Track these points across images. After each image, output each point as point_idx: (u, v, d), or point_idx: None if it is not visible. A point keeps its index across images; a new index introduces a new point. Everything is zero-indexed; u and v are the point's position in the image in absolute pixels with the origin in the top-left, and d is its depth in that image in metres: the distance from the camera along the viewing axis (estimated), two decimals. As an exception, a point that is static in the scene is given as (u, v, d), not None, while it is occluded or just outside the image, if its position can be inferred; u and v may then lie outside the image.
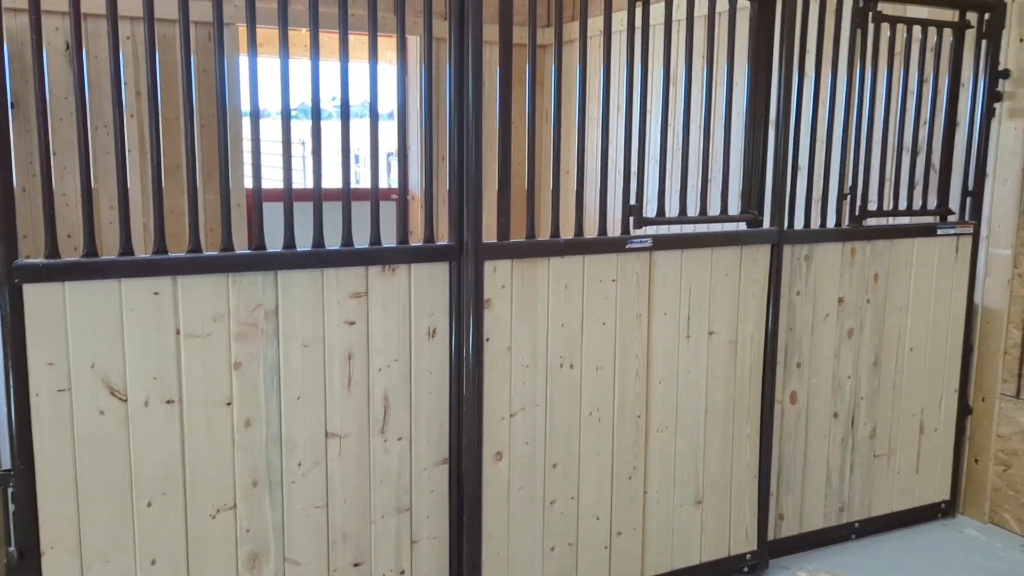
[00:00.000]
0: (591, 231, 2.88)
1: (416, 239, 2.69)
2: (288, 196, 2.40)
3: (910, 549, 3.51)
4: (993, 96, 3.57)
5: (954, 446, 3.77)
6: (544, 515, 2.83)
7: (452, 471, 2.70)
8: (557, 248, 2.70)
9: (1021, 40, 3.51)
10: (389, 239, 2.56)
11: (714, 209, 3.93)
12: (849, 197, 3.34)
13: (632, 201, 2.83)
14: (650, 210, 4.03)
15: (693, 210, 4.03)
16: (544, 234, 2.75)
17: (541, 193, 6.56)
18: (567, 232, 2.75)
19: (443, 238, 2.69)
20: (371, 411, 2.57)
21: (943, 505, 3.78)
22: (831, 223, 3.34)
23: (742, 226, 3.13)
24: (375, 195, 2.52)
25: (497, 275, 2.62)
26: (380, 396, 2.57)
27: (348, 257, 2.47)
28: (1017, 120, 3.54)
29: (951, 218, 3.62)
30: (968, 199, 3.62)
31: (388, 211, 6.41)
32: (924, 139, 3.54)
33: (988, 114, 3.57)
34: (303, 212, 2.48)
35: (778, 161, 3.07)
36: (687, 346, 3.00)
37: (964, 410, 3.77)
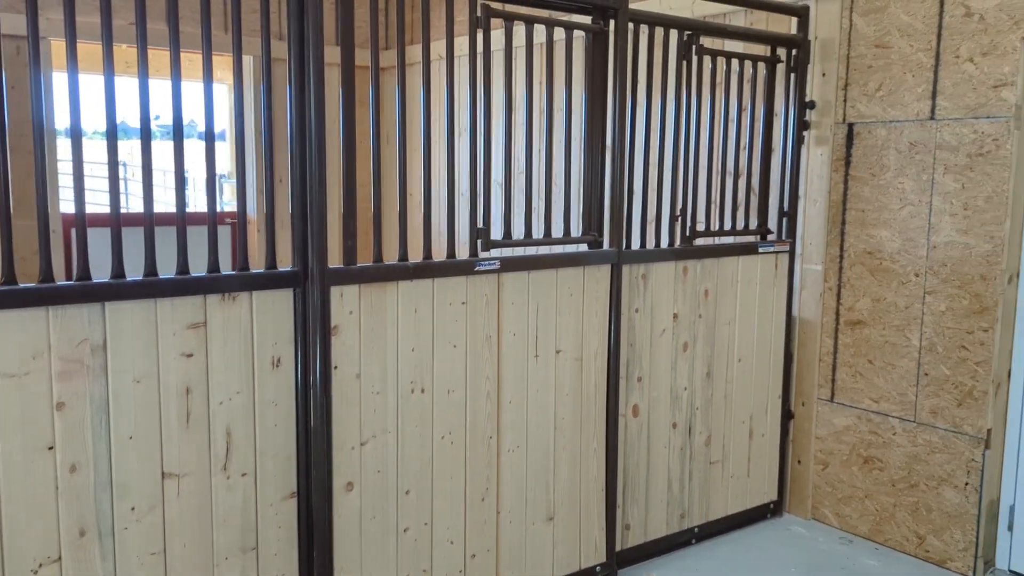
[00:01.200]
0: (440, 254, 2.88)
1: (257, 265, 2.58)
2: (116, 221, 2.25)
3: (744, 548, 3.72)
4: (802, 125, 3.89)
5: (779, 449, 4.04)
6: (398, 544, 2.77)
7: (301, 505, 2.60)
8: (406, 272, 2.67)
9: (823, 74, 3.85)
10: (226, 265, 2.44)
11: (557, 231, 4.04)
12: (680, 219, 3.52)
13: (479, 224, 2.85)
14: (497, 233, 4.08)
15: (538, 232, 4.11)
16: (391, 258, 2.71)
17: (387, 217, 6.49)
18: (415, 256, 2.73)
19: (285, 263, 2.61)
20: (212, 447, 2.43)
21: (771, 505, 4.04)
22: (664, 243, 3.51)
23: (584, 247, 3.23)
24: (213, 219, 2.41)
25: (344, 301, 2.57)
26: (222, 431, 2.44)
27: (184, 286, 2.34)
28: (823, 147, 3.87)
29: (770, 237, 3.89)
30: (784, 219, 3.91)
31: (223, 236, 6.14)
32: (745, 164, 3.80)
33: (798, 141, 3.89)
34: (129, 239, 2.33)
35: (615, 185, 3.20)
36: (536, 365, 3.05)
37: (787, 415, 4.05)
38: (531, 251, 3.50)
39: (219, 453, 2.45)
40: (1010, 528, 3.49)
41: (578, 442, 3.22)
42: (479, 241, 2.85)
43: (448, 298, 2.79)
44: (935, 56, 3.47)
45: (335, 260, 2.52)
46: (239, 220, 2.47)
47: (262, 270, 2.49)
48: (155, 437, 2.33)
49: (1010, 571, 3.50)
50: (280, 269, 2.51)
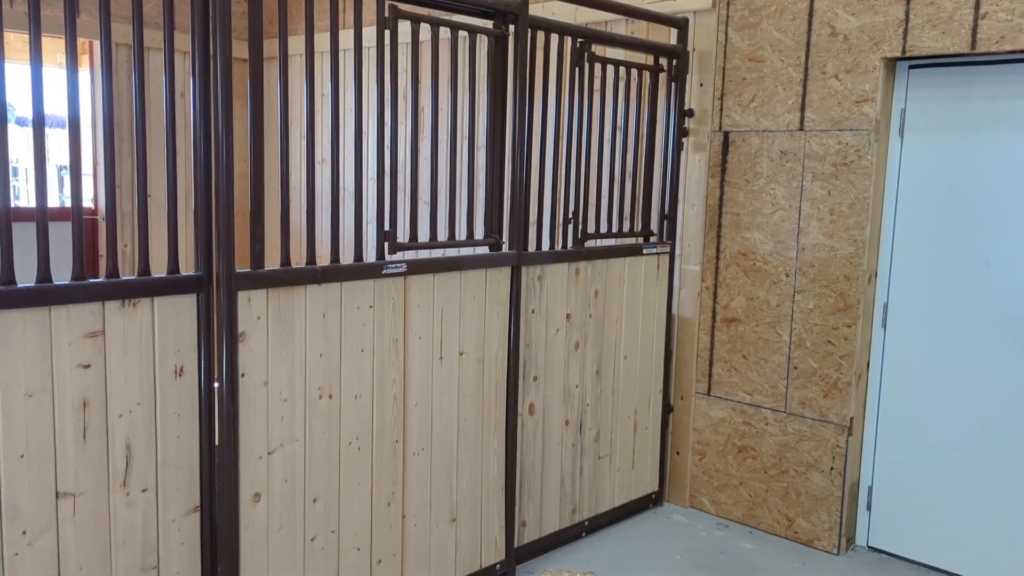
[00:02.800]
0: (347, 257, 2.83)
1: (159, 270, 2.44)
2: (6, 221, 2.07)
3: (631, 539, 3.88)
4: (681, 132, 4.08)
5: (660, 441, 4.23)
6: (305, 553, 2.70)
7: (205, 519, 2.49)
8: (314, 276, 2.61)
9: (701, 84, 4.06)
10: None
11: (461, 234, 4.05)
12: (573, 221, 3.61)
13: (386, 227, 2.82)
14: (403, 235, 4.04)
15: (443, 235, 4.09)
16: (299, 262, 2.64)
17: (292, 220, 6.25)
18: (322, 259, 2.67)
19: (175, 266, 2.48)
20: (111, 463, 2.29)
21: (653, 496, 4.22)
22: (559, 246, 3.59)
23: (486, 250, 3.25)
24: (111, 218, 2.26)
25: (252, 306, 2.47)
26: (121, 445, 2.30)
27: (82, 292, 2.18)
28: (700, 153, 4.08)
29: (652, 239, 4.06)
30: (665, 222, 4.09)
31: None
32: (631, 169, 3.95)
33: (678, 147, 4.07)
34: (20, 236, 2.15)
35: (515, 187, 3.24)
36: (440, 368, 3.05)
37: (667, 408, 4.25)
38: (436, 254, 3.48)
39: (118, 469, 2.30)
40: (869, 508, 3.81)
41: (480, 443, 3.25)
42: (386, 244, 2.82)
43: (356, 302, 2.74)
44: (804, 71, 3.73)
45: (241, 264, 2.42)
46: (139, 221, 2.33)
47: (164, 274, 2.36)
48: (49, 454, 2.16)
49: (869, 547, 3.83)
50: (184, 274, 2.39)
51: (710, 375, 4.14)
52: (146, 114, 2.34)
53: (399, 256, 2.83)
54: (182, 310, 2.38)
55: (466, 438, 3.19)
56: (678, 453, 4.28)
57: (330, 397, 2.71)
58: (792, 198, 3.79)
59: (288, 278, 2.54)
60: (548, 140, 3.48)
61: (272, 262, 2.59)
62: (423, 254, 3.86)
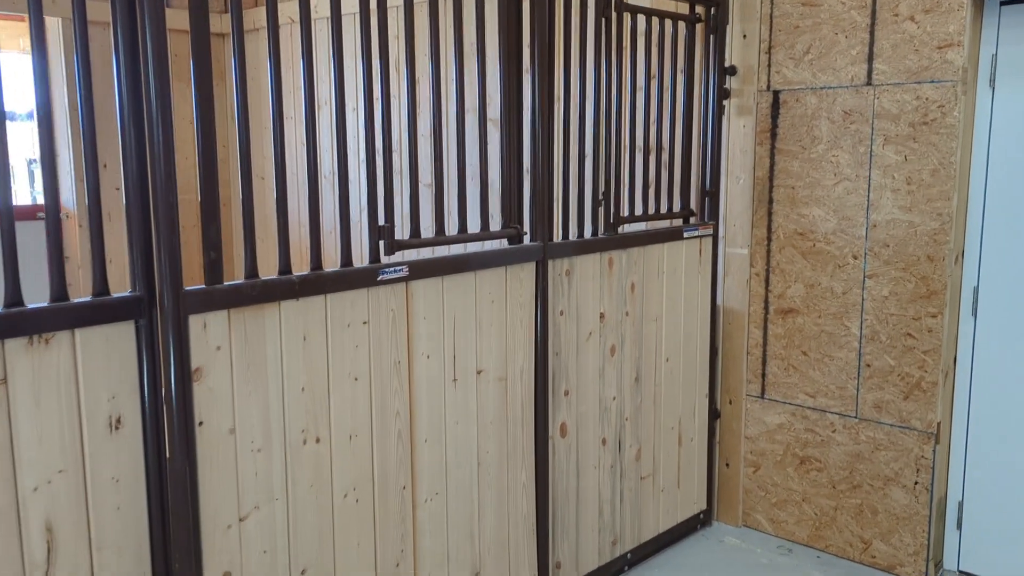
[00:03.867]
0: (332, 262, 2.24)
1: (82, 292, 1.86)
2: None
3: (676, 568, 3.32)
4: (722, 93, 3.48)
5: (708, 452, 3.67)
6: (295, 638, 2.15)
7: (161, 610, 1.93)
8: (290, 288, 2.03)
9: (744, 36, 3.45)
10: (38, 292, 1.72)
11: (474, 226, 3.47)
12: (604, 203, 3.03)
13: (381, 221, 2.23)
14: (402, 231, 3.47)
15: (451, 228, 3.48)
16: (271, 271, 2.05)
17: (260, 219, 5.66)
18: (301, 266, 2.08)
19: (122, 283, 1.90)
20: (26, 552, 1.72)
21: (701, 515, 3.67)
22: (588, 232, 3.01)
23: (504, 243, 2.67)
24: (8, 224, 1.68)
25: (209, 333, 1.89)
26: (39, 527, 1.73)
27: (-32, 330, 1.60)
28: (745, 117, 3.48)
29: (693, 220, 3.48)
30: (707, 199, 3.51)
31: (32, 235, 5.12)
32: (668, 139, 3.35)
33: (719, 111, 3.48)
34: None
35: (537, 166, 2.65)
36: (454, 392, 2.47)
37: (714, 414, 3.68)
38: (443, 252, 2.88)
39: (37, 558, 1.73)
40: (959, 527, 3.26)
41: (504, 477, 2.68)
42: (382, 243, 2.24)
43: (346, 318, 2.16)
44: (871, 14, 3.13)
45: (193, 279, 1.85)
46: (49, 227, 1.74)
47: (88, 298, 1.78)
48: (-66, 553, 1.60)
49: (959, 571, 3.28)
50: (115, 296, 1.81)
51: (763, 375, 3.57)
52: (91, 99, 1.75)
53: (398, 257, 2.24)
54: (115, 344, 1.80)
55: (488, 474, 2.62)
56: (728, 465, 3.71)
57: (317, 441, 2.14)
58: (859, 166, 3.20)
59: (256, 294, 1.96)
60: (572, 109, 2.89)
61: (234, 274, 2.00)
62: (427, 252, 3.26)
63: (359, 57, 4.26)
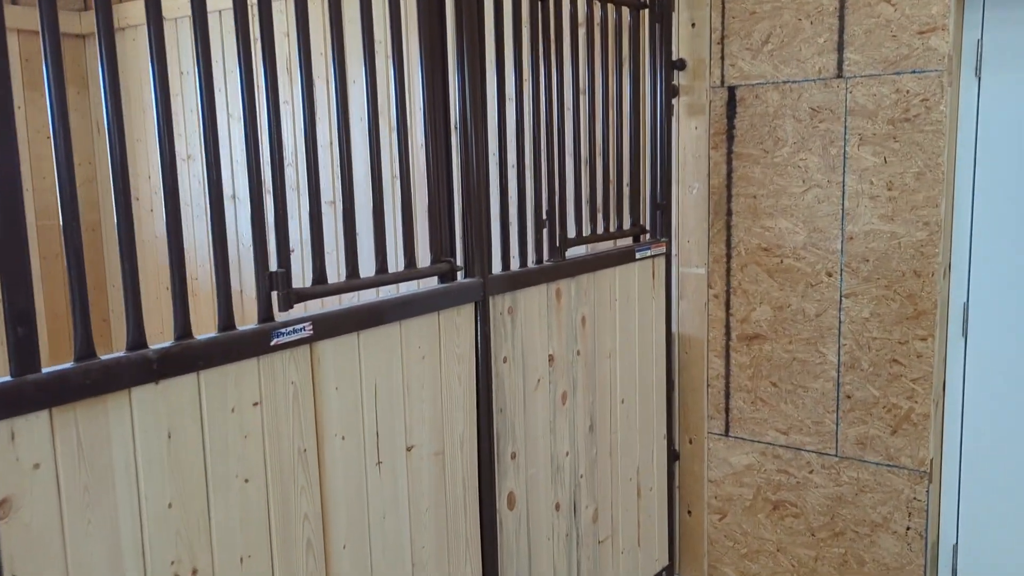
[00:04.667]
0: (207, 326, 1.66)
1: None
2: None
3: (651, 647, 2.85)
4: (670, 90, 3.03)
5: (668, 500, 3.21)
6: None
7: None
8: (145, 369, 1.44)
9: (692, 24, 3.02)
10: None
11: (396, 264, 2.91)
12: (548, 224, 2.53)
13: (272, 266, 1.67)
14: (303, 277, 2.87)
15: (367, 269, 2.89)
16: (115, 346, 1.46)
17: (106, 267, 4.91)
18: (162, 335, 1.49)
19: None
20: None
21: (664, 573, 3.21)
22: (531, 260, 2.50)
23: (434, 283, 2.13)
24: None
25: (19, 447, 1.29)
26: None
27: None
28: (697, 118, 3.05)
29: (645, 237, 3.02)
30: (658, 213, 3.05)
31: None
32: (613, 146, 2.87)
33: (668, 112, 3.03)
34: None
35: (471, 184, 2.13)
36: (379, 478, 1.92)
37: (672, 456, 3.23)
38: (356, 299, 2.30)
39: None
40: (954, 572, 2.90)
41: (446, 574, 2.14)
42: (274, 295, 1.67)
43: (228, 400, 1.58)
44: (839, -2, 2.74)
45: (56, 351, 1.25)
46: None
47: None
48: None
49: (957, 622, 2.92)
50: None
51: (727, 410, 3.14)
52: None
53: (299, 311, 1.68)
54: None
55: (425, 574, 2.07)
56: (690, 513, 3.27)
57: (194, 573, 1.55)
58: (831, 170, 2.81)
59: (91, 383, 1.37)
60: (508, 114, 2.38)
61: (57, 354, 1.41)
62: (335, 303, 2.68)
63: (242, 56, 3.64)
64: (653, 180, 3.02)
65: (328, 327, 1.75)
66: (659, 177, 3.03)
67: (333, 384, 1.78)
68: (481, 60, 2.19)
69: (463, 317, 2.12)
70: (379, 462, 1.91)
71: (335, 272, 3.40)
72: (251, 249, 1.77)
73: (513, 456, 2.40)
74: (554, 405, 2.56)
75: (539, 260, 2.50)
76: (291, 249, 3.99)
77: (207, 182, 1.62)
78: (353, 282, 1.81)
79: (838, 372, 2.88)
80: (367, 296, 1.97)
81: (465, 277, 2.17)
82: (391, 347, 1.92)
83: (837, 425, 2.90)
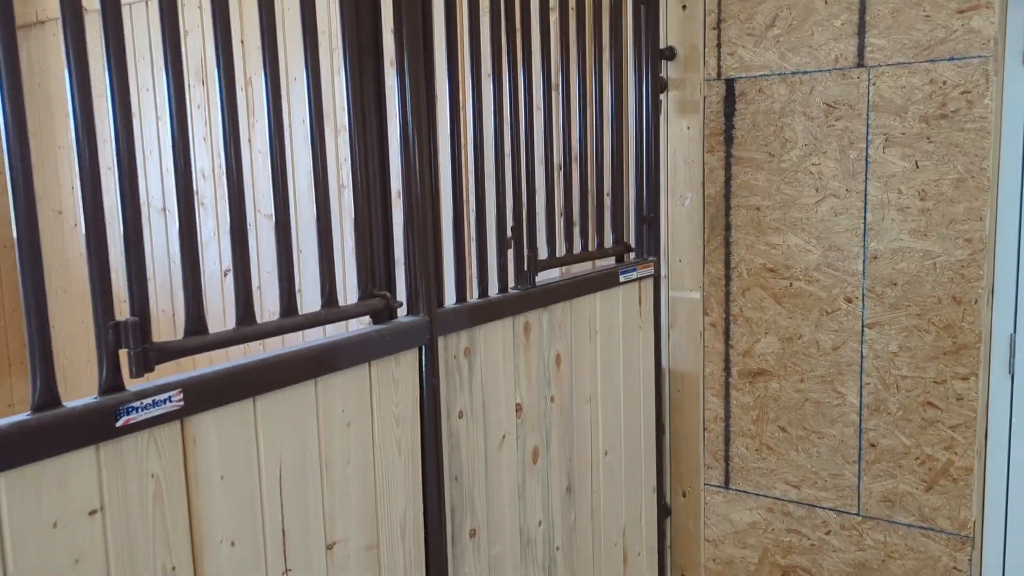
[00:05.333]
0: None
1: None
2: None
3: None
4: (657, 84, 2.58)
5: (658, 563, 2.74)
6: None
7: None
8: None
9: (683, 7, 2.57)
10: None
11: (310, 301, 2.42)
12: (514, 243, 2.05)
13: (123, 314, 1.17)
14: (174, 327, 2.38)
15: (268, 310, 2.39)
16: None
17: None
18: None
19: None
20: None
21: (655, 649, 2.74)
22: (494, 289, 2.03)
23: (366, 322, 1.64)
24: None
25: None
26: None
27: None
28: (689, 116, 2.60)
29: (630, 257, 2.56)
30: (645, 228, 2.59)
31: None
32: (592, 150, 2.41)
33: (655, 109, 2.58)
34: None
35: (414, 200, 1.65)
36: (287, 593, 1.43)
37: (663, 512, 2.77)
38: (261, 348, 1.81)
39: None
40: (999, 651, 2.46)
41: None
42: (126, 354, 1.17)
43: (45, 512, 1.09)
44: (859, -28, 2.30)
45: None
46: None
47: None
48: None
49: None
50: None
51: (727, 458, 2.68)
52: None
53: (162, 373, 1.18)
54: None
55: None
56: (684, 577, 2.81)
57: None
58: (851, 177, 2.37)
59: None
60: (466, 115, 1.91)
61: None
62: (223, 357, 2.16)
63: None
64: (638, 190, 2.57)
65: (208, 394, 1.26)
66: (645, 186, 2.58)
67: (217, 472, 1.29)
68: (427, 49, 1.72)
69: (404, 367, 1.64)
70: (287, 570, 1.41)
71: (219, 316, 2.91)
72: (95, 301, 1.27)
73: (472, 534, 1.92)
74: (523, 465, 2.09)
75: (503, 288, 2.03)
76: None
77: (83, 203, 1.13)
78: (244, 331, 1.32)
79: (860, 416, 2.43)
80: (275, 345, 1.48)
81: (407, 315, 1.68)
82: (303, 414, 1.43)
83: (859, 479, 2.45)
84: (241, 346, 1.41)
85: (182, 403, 1.22)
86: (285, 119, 3.15)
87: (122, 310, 1.33)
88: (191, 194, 1.26)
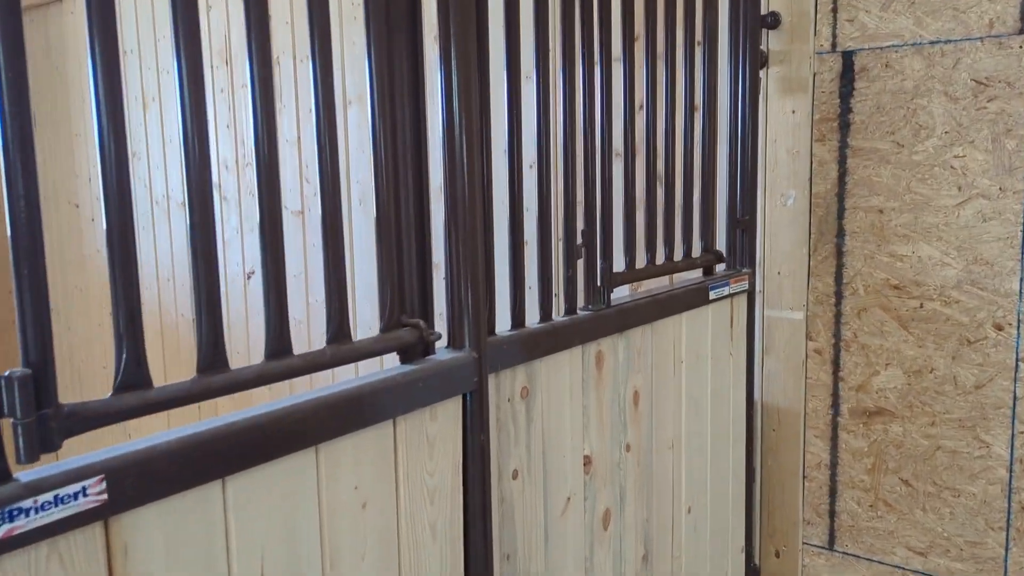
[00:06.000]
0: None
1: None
2: None
3: None
4: (756, 59, 2.12)
5: (744, 637, 2.29)
6: None
7: None
8: None
9: (790, -35, 2.11)
10: None
11: (314, 334, 2.02)
12: (585, 253, 1.61)
13: (27, 356, 0.76)
14: (104, 380, 1.98)
15: (296, 317, 1.96)
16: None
17: None
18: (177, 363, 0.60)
19: None
20: None
21: None
22: (559, 311, 1.59)
23: (392, 366, 1.21)
24: None
25: None
26: None
27: None
28: (794, 97, 2.14)
29: (720, 268, 2.10)
30: (739, 233, 2.13)
31: None
32: (676, 139, 1.96)
33: (753, 88, 2.12)
34: None
35: (459, 195, 1.22)
36: None
37: (751, 573, 2.30)
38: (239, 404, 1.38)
39: None
40: None
41: None
42: (17, 425, 0.76)
43: None
44: (1026, -87, 1.82)
45: None
46: None
47: None
48: None
49: None
50: None
51: (832, 514, 2.21)
52: None
53: (73, 454, 0.76)
54: None
55: None
56: (775, 652, 2.34)
57: None
58: (1006, 173, 1.88)
59: None
60: (525, 96, 1.47)
61: None
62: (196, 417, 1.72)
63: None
64: (731, 187, 2.11)
65: (149, 477, 0.85)
66: (739, 182, 2.12)
67: (162, 592, 0.88)
68: (480, 18, 1.29)
69: (442, 421, 1.21)
70: None
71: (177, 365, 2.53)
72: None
73: (528, 625, 1.49)
74: (591, 533, 1.65)
75: (570, 308, 1.59)
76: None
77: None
78: (206, 382, 0.90)
79: (1010, 472, 1.95)
80: (264, 398, 1.07)
81: (447, 348, 1.26)
82: (297, 496, 1.01)
83: (1007, 550, 1.97)
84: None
85: (104, 497, 0.81)
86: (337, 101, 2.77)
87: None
88: (124, 189, 0.85)
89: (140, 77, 3.59)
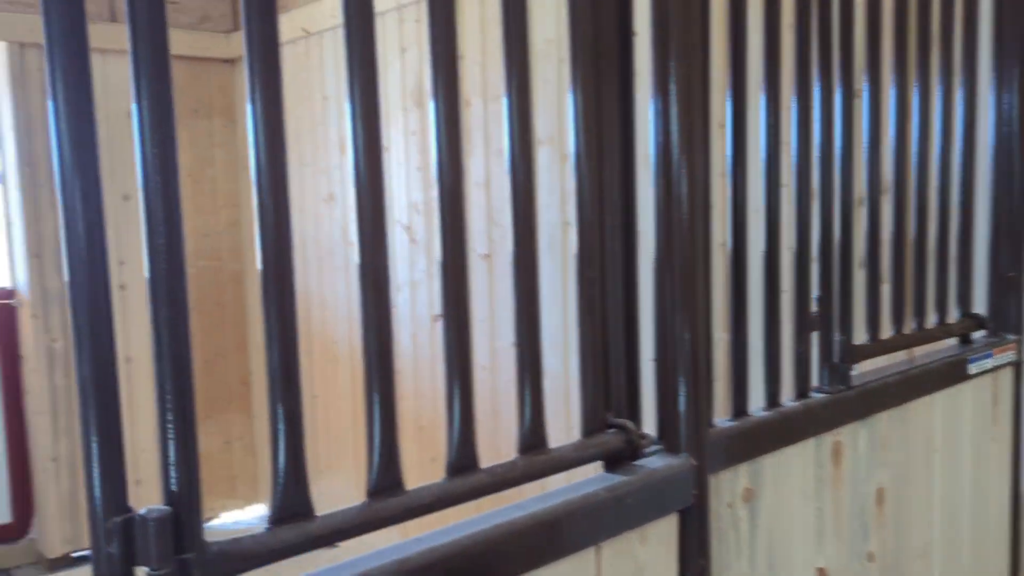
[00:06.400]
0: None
1: None
2: None
3: None
4: (1026, 83, 1.76)
5: None
6: None
7: None
8: None
9: (1071, -31, 1.73)
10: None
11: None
12: (821, 323, 1.34)
13: (169, 497, 0.62)
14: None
15: (482, 363, 1.81)
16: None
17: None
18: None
19: None
20: None
21: None
22: (787, 393, 1.33)
23: (591, 473, 1.01)
24: None
25: None
26: None
27: None
28: (1077, 129, 1.75)
29: (980, 335, 1.75)
30: (1003, 292, 1.76)
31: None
32: (931, 182, 1.64)
33: (1022, 122, 1.75)
34: None
35: (681, 272, 1.01)
36: None
37: None
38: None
39: None
40: None
41: None
42: None
43: None
44: None
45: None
46: None
47: None
48: None
49: None
50: None
51: None
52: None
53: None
54: None
55: None
56: None
57: None
58: None
59: None
60: (749, 136, 1.24)
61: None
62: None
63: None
64: (994, 237, 1.75)
65: (308, 631, 0.69)
66: (1001, 230, 1.75)
67: None
68: (704, 47, 1.08)
69: (655, 545, 0.99)
70: None
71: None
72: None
73: None
74: (825, 667, 1.36)
75: (802, 392, 1.33)
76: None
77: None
78: (377, 508, 0.74)
79: None
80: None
81: (657, 449, 1.04)
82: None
83: None
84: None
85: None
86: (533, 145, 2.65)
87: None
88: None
89: (336, 123, 3.64)
